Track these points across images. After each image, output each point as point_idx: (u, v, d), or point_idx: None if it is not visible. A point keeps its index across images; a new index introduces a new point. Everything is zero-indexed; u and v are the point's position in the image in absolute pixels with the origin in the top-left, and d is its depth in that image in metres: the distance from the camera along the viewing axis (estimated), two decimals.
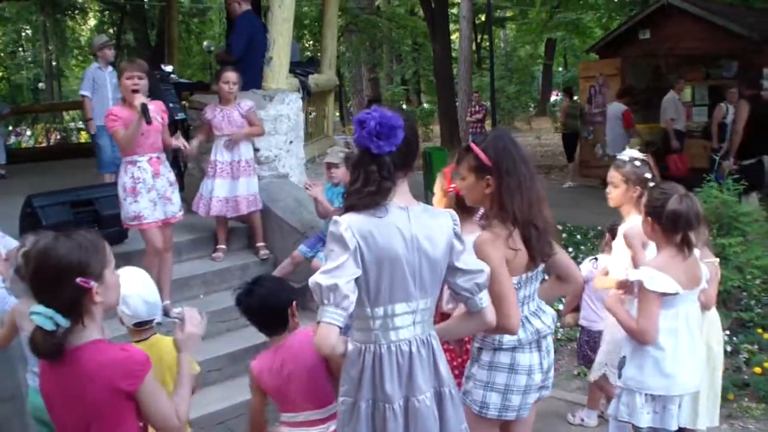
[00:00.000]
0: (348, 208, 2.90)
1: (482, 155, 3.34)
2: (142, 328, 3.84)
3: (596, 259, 5.45)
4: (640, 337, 3.88)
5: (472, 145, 3.41)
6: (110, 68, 9.40)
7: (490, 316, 3.09)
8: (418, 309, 2.95)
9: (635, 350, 3.96)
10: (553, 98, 37.67)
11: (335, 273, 2.77)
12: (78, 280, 2.56)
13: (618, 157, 4.70)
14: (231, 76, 7.08)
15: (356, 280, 2.82)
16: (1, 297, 4.71)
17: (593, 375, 5.04)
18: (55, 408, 2.70)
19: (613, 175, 4.59)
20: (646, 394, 3.92)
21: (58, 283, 2.56)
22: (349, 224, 2.82)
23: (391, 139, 2.82)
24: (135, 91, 5.86)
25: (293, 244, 6.88)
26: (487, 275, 3.04)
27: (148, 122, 5.79)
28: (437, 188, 4.42)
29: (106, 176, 9.10)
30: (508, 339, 3.40)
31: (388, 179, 2.86)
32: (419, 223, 2.92)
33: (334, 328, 2.78)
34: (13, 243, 4.97)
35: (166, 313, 4.72)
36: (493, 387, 3.45)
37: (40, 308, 2.53)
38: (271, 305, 3.61)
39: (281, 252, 7.12)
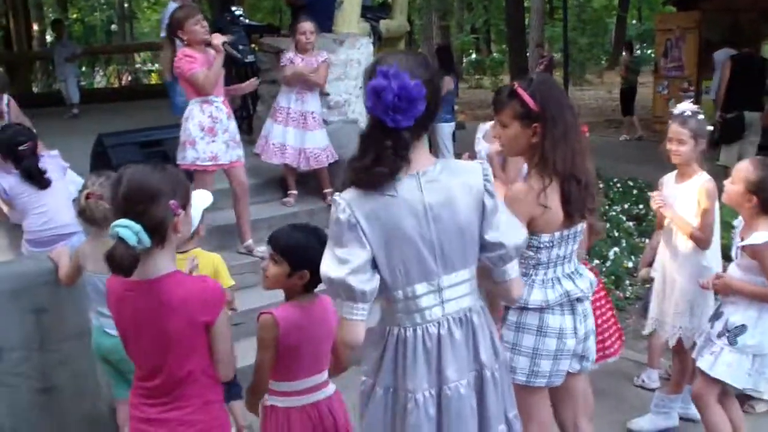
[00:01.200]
0: (351, 183, 2.55)
1: (530, 100, 3.08)
2: None
3: None
4: None
5: (518, 89, 3.12)
6: None
7: (517, 291, 2.87)
8: (443, 286, 2.62)
9: (763, 315, 3.93)
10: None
11: (344, 267, 2.49)
12: (171, 202, 2.62)
13: (678, 111, 4.52)
14: (308, 26, 7.00)
15: (373, 262, 2.53)
16: (79, 239, 4.75)
17: (658, 332, 4.89)
18: (131, 337, 2.75)
19: (679, 131, 4.40)
20: (754, 356, 3.89)
21: (150, 201, 2.60)
22: (348, 203, 2.50)
23: (411, 112, 2.41)
24: (207, 33, 5.83)
25: None
26: (523, 240, 2.77)
27: (239, 59, 5.76)
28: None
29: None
30: (534, 298, 3.21)
31: (403, 157, 2.49)
32: (435, 189, 2.56)
33: (358, 323, 2.56)
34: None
35: (249, 251, 4.96)
36: (520, 350, 3.25)
37: (128, 222, 2.53)
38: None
39: None
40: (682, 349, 4.71)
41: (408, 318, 2.64)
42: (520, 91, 3.11)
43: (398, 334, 2.66)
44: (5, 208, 5.39)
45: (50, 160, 5.09)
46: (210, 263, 4.24)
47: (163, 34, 8.97)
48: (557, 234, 3.19)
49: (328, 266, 2.53)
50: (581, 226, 3.30)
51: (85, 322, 4.38)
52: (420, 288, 2.61)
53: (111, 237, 2.54)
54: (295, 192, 7.28)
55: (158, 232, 2.61)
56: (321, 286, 2.81)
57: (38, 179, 4.95)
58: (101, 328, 4.18)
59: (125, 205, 2.60)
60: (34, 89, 20.06)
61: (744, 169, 4.05)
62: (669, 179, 4.69)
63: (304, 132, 7.06)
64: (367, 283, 2.51)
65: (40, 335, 4.38)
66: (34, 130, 5.17)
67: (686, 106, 4.50)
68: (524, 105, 3.10)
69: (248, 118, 9.05)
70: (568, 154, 3.09)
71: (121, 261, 2.53)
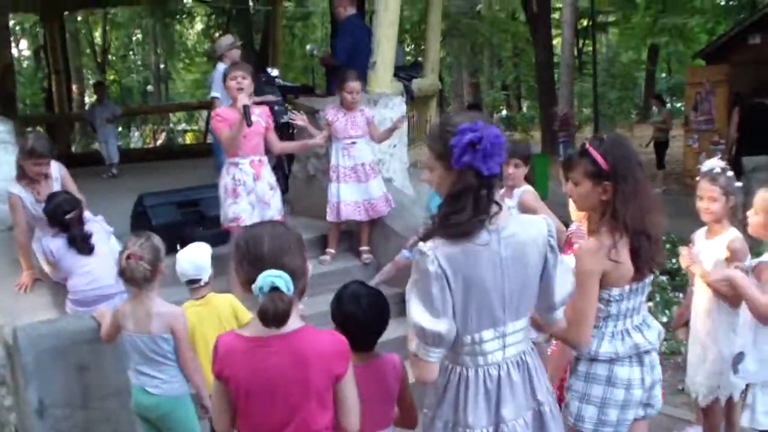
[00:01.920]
0: (442, 235, 2.68)
1: (601, 159, 3.17)
2: (194, 286, 4.52)
3: None
4: None
5: (590, 148, 3.23)
6: None
7: (561, 324, 3.05)
8: (507, 332, 2.81)
9: (758, 339, 3.95)
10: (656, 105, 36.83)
11: (435, 319, 2.65)
12: (304, 253, 2.71)
13: (707, 168, 4.51)
14: (355, 85, 7.07)
15: None
16: (122, 299, 4.85)
17: (704, 401, 4.80)
18: (256, 393, 2.69)
19: (709, 188, 4.42)
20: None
21: (290, 252, 2.66)
22: (436, 255, 2.64)
23: (501, 158, 2.65)
24: (240, 90, 5.92)
25: (396, 248, 6.84)
26: (571, 291, 2.97)
27: (249, 124, 5.84)
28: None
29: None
30: (604, 350, 3.30)
31: (496, 202, 2.70)
32: (510, 243, 2.73)
33: (435, 364, 2.73)
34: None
35: None
36: (589, 399, 3.33)
37: (278, 271, 2.56)
38: (379, 319, 3.33)
39: (384, 256, 7.12)
40: (716, 409, 4.68)
41: (472, 360, 2.81)
42: (591, 150, 3.21)
43: (461, 373, 2.83)
44: (48, 268, 5.51)
45: (95, 224, 5.20)
46: (227, 305, 4.56)
47: (213, 93, 9.15)
48: (627, 287, 3.27)
49: (420, 317, 2.67)
50: (649, 279, 3.37)
51: (126, 381, 4.44)
52: (487, 334, 2.78)
53: (259, 290, 2.54)
54: (333, 251, 7.30)
55: (297, 281, 2.63)
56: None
57: (83, 246, 5.09)
58: (141, 386, 4.26)
59: (271, 259, 2.63)
60: (73, 149, 20.42)
61: (764, 199, 4.11)
62: (700, 235, 4.69)
63: (361, 184, 7.11)
64: (451, 330, 2.70)
65: (83, 393, 4.47)
66: (80, 197, 5.31)
67: (714, 163, 4.51)
68: (595, 164, 3.19)
69: (284, 178, 9.14)
70: (638, 210, 3.17)
71: (278, 311, 2.55)
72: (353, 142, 7.10)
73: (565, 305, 2.97)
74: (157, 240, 4.30)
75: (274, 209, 6.25)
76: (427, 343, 2.69)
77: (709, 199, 4.44)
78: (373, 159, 7.30)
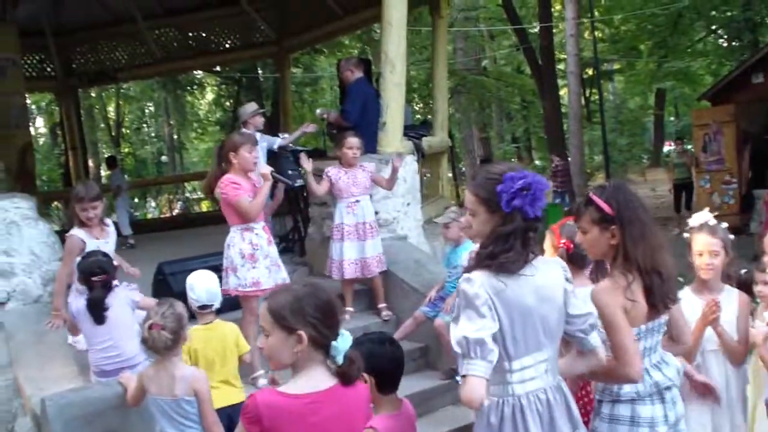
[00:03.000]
0: (490, 268, 2.95)
1: (605, 206, 3.28)
2: (204, 312, 4.98)
3: None
4: None
5: (593, 196, 3.35)
6: (259, 135, 9.55)
7: (602, 353, 3.18)
8: (548, 357, 3.03)
9: None
10: (666, 148, 36.92)
11: (480, 328, 2.84)
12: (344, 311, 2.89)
13: (700, 221, 4.37)
14: (354, 141, 7.20)
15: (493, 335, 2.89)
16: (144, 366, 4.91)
17: None
18: None
19: (710, 242, 4.30)
20: None
21: (334, 315, 2.81)
22: (482, 282, 2.90)
23: (542, 202, 2.97)
24: (256, 164, 6.10)
25: (414, 304, 6.90)
26: (596, 317, 3.15)
27: (290, 186, 5.98)
28: (547, 245, 4.41)
29: None
30: (626, 390, 3.34)
31: (537, 242, 3.04)
32: (541, 273, 3.02)
33: (483, 380, 2.82)
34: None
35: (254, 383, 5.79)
36: None
37: (346, 332, 2.77)
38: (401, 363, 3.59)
39: (402, 312, 7.16)
40: None
41: (521, 387, 3.00)
42: (595, 198, 3.34)
43: (514, 405, 3.00)
44: (72, 335, 5.65)
45: (122, 293, 5.23)
46: (233, 332, 5.06)
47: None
48: (643, 327, 3.33)
49: (463, 328, 2.86)
50: (665, 318, 3.42)
51: None
52: (533, 358, 3.00)
53: (339, 353, 2.72)
54: (351, 309, 7.30)
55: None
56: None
57: (95, 313, 5.08)
58: None
59: (317, 323, 2.73)
60: None
61: None
62: (688, 294, 4.38)
63: (360, 242, 7.17)
64: (496, 346, 2.87)
65: None
66: (115, 262, 5.39)
67: (706, 216, 4.37)
68: (600, 210, 3.31)
69: (300, 240, 9.24)
70: (648, 250, 3.28)
71: (360, 369, 2.80)
72: (356, 201, 7.19)
73: (590, 327, 3.11)
74: (180, 307, 4.36)
75: (284, 271, 6.33)
76: (471, 355, 2.82)
77: (711, 254, 4.31)
78: (374, 218, 7.37)
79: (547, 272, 3.05)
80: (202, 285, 4.98)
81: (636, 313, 3.26)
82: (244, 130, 9.04)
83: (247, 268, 6.05)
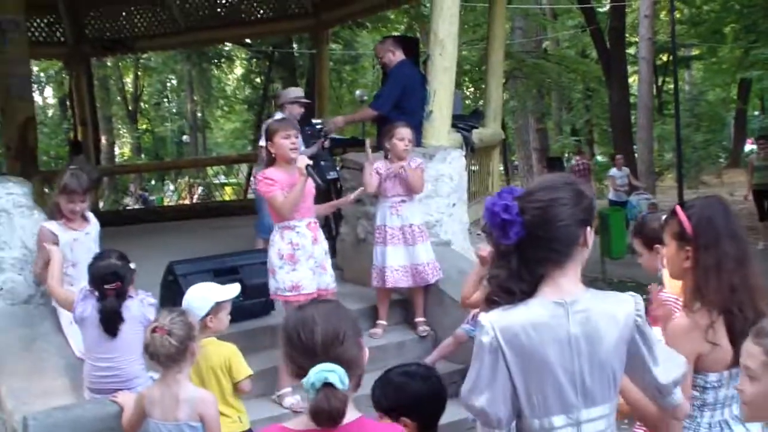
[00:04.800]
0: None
1: (685, 222, 3.22)
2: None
3: None
4: None
5: (677, 208, 3.29)
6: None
7: (683, 412, 2.93)
8: (582, 420, 2.70)
9: None
10: (747, 147, 36.41)
11: (482, 392, 2.64)
12: (358, 340, 2.64)
13: None
14: (406, 132, 7.03)
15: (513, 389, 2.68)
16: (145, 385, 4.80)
17: None
18: None
19: None
20: None
21: (345, 339, 2.59)
22: (492, 325, 2.65)
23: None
24: (293, 150, 6.01)
25: (455, 320, 6.72)
26: (685, 371, 2.85)
27: (320, 185, 6.04)
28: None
29: (260, 241, 9.06)
30: None
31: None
32: (582, 320, 2.68)
33: None
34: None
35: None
36: None
37: (332, 365, 2.50)
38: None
39: (441, 329, 7.01)
40: None
41: None
42: (678, 210, 3.30)
43: None
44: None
45: (136, 308, 5.04)
46: (221, 354, 4.80)
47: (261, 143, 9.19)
48: (726, 373, 3.21)
49: (469, 391, 2.67)
50: None
51: None
52: (558, 420, 2.68)
53: (311, 386, 2.48)
54: (384, 322, 7.17)
55: (352, 373, 2.57)
56: None
57: (108, 323, 4.94)
58: None
59: (324, 350, 2.56)
60: (101, 206, 20.66)
61: None
62: None
63: (408, 247, 7.04)
64: (505, 410, 2.65)
65: None
66: (132, 265, 5.12)
67: None
68: (680, 225, 3.26)
69: (332, 240, 9.08)
70: (724, 288, 3.12)
71: (333, 409, 2.48)
72: (402, 200, 7.06)
73: (679, 385, 2.83)
74: (193, 318, 4.28)
75: (330, 275, 6.31)
76: (481, 422, 2.71)
77: None
78: (422, 222, 7.24)
79: (596, 315, 2.70)
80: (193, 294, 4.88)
81: (717, 357, 3.15)
82: (279, 113, 8.94)
83: (286, 271, 6.04)
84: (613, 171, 20.33)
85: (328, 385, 2.46)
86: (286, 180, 5.97)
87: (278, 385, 5.92)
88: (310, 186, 6.11)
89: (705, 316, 3.13)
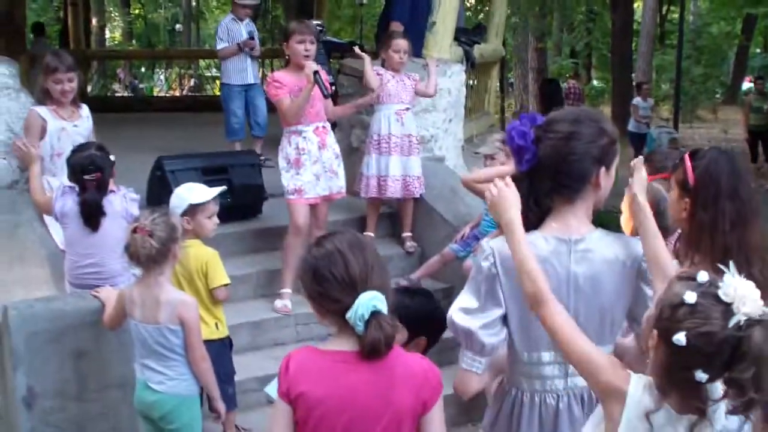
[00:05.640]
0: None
1: (690, 173, 3.08)
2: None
3: None
4: None
5: (686, 156, 3.16)
6: (247, 20, 9.26)
7: None
8: None
9: None
10: (746, 85, 36.15)
11: (472, 314, 2.69)
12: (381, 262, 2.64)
13: None
14: (403, 44, 7.01)
15: (503, 318, 2.71)
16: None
17: None
18: (334, 412, 2.56)
19: None
20: None
21: (376, 265, 2.58)
22: (493, 252, 2.70)
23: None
24: (306, 57, 6.01)
25: (444, 238, 6.71)
26: None
27: (326, 95, 6.08)
28: (624, 204, 4.07)
29: (237, 144, 9.01)
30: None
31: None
32: (584, 259, 2.70)
33: (472, 375, 2.82)
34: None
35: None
36: None
37: (373, 293, 2.48)
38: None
39: (429, 246, 7.00)
40: None
41: (528, 382, 2.80)
42: (686, 157, 3.16)
43: (515, 396, 2.83)
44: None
45: (118, 202, 5.00)
46: (200, 258, 4.79)
47: (218, 47, 9.21)
48: None
49: (458, 314, 2.71)
50: None
51: (130, 372, 4.37)
52: (546, 356, 2.75)
53: (359, 318, 2.46)
54: (372, 234, 7.08)
55: (388, 301, 2.54)
56: None
57: (89, 217, 4.87)
58: (145, 381, 4.20)
59: (361, 281, 2.53)
60: (89, 90, 20.36)
61: None
62: None
63: (405, 158, 7.03)
64: (493, 337, 2.70)
65: (79, 382, 4.39)
66: (112, 157, 5.02)
67: None
68: (685, 174, 3.12)
69: None
70: (717, 247, 2.98)
71: (388, 336, 2.48)
72: (407, 108, 7.04)
73: None
74: (176, 219, 4.21)
75: (341, 179, 6.42)
76: (461, 343, 2.77)
77: None
78: (417, 133, 7.23)
79: (599, 256, 2.71)
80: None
81: None
82: (230, 15, 9.36)
83: (291, 175, 6.15)
84: (637, 100, 18.89)
85: (375, 313, 2.45)
86: (295, 84, 6.00)
87: (281, 283, 6.21)
88: (318, 91, 6.08)
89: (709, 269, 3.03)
